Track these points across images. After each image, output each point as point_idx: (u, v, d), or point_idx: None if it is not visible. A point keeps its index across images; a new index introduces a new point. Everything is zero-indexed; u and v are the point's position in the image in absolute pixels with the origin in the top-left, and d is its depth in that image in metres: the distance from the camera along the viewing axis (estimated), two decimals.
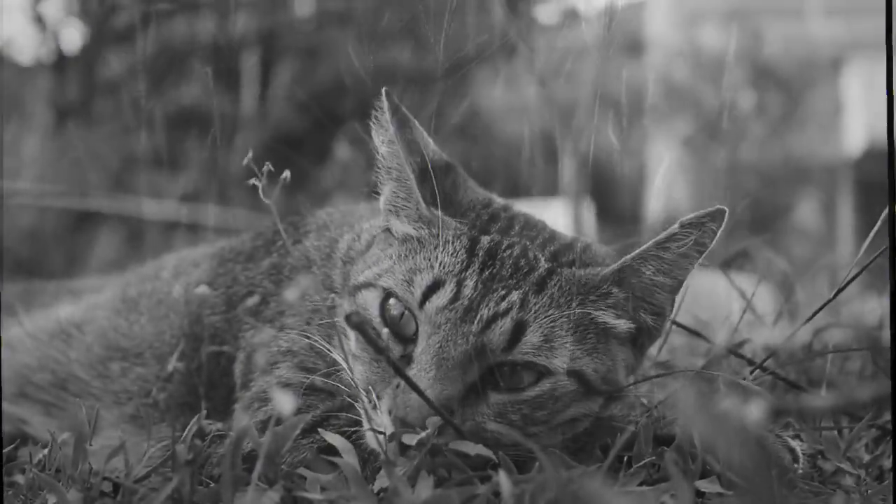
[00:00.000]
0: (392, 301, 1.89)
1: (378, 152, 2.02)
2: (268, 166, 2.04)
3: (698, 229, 1.88)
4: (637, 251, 1.89)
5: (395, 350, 1.86)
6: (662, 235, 1.87)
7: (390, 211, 2.02)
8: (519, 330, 1.81)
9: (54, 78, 21.08)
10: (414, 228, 1.96)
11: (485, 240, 1.91)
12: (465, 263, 1.86)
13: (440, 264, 1.87)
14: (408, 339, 1.87)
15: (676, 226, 1.87)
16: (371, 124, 2.01)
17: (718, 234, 1.89)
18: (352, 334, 1.94)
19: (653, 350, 2.52)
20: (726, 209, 1.89)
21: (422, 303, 1.83)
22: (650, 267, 1.91)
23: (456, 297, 1.81)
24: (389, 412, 1.77)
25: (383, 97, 1.99)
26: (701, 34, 21.91)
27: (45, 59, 21.65)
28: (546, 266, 1.89)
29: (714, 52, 21.16)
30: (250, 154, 2.05)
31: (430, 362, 1.77)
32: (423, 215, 1.95)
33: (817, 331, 2.66)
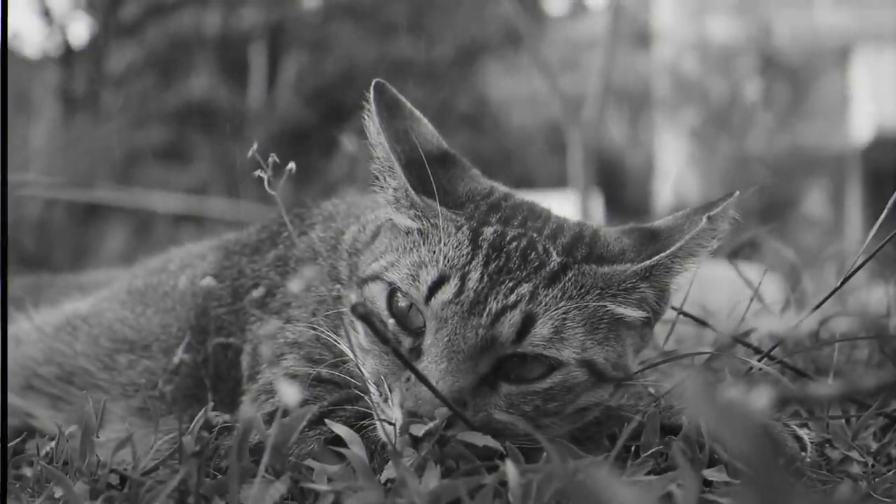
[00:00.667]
0: (399, 295, 1.89)
1: (371, 144, 2.02)
2: (273, 158, 2.04)
3: (723, 220, 1.88)
4: (672, 249, 1.88)
5: (405, 342, 1.86)
6: (694, 231, 1.87)
7: (389, 202, 2.02)
8: (528, 322, 1.80)
9: (61, 71, 21.13)
10: (411, 219, 1.95)
11: (487, 231, 1.90)
12: (469, 256, 1.85)
13: (445, 258, 1.86)
14: (417, 332, 1.86)
15: (705, 221, 1.87)
16: (364, 117, 2.01)
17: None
18: (360, 327, 1.93)
19: (660, 340, 2.53)
20: (738, 192, 1.91)
21: (427, 298, 1.82)
22: (679, 262, 1.91)
23: (461, 291, 1.80)
24: (401, 405, 1.77)
25: (371, 89, 1.99)
26: (709, 25, 21.92)
27: (53, 52, 21.70)
28: (559, 260, 1.88)
29: (722, 43, 21.17)
30: (255, 146, 2.05)
31: (439, 355, 1.77)
32: (417, 204, 1.94)
33: (824, 319, 2.66)
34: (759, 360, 2.20)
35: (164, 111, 21.99)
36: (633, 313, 1.92)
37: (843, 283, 2.26)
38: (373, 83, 2.00)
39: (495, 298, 1.80)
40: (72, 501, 1.68)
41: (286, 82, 22.98)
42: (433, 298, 1.81)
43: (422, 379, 1.71)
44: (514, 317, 1.79)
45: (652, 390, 2.25)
